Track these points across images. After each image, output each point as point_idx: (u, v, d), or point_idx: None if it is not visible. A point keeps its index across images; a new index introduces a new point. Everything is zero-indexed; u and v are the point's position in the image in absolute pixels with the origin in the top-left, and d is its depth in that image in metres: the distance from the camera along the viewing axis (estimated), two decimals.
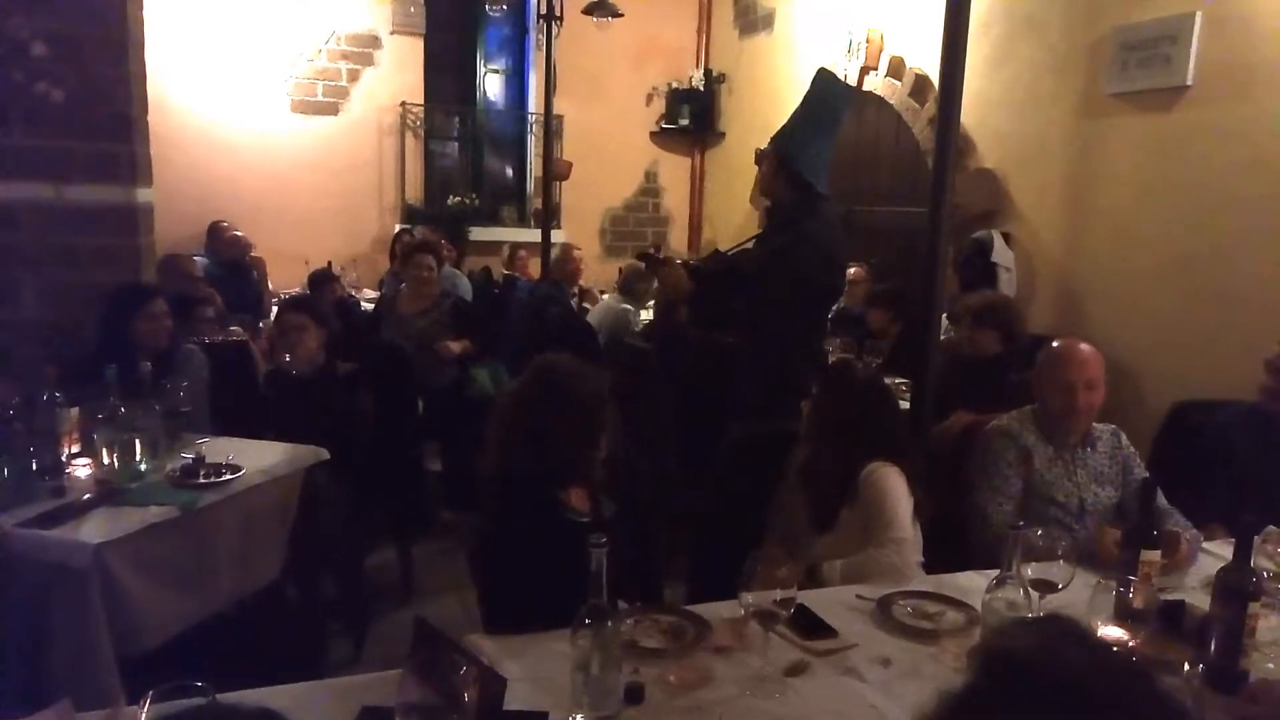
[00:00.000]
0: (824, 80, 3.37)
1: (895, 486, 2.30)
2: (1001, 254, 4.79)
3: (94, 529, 2.33)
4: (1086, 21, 4.58)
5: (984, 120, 5.09)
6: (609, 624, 1.49)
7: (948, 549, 2.43)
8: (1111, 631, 1.72)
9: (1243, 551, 1.68)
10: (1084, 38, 4.60)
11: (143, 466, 2.65)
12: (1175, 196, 4.16)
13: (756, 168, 3.43)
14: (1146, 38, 4.23)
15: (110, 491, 2.53)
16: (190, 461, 2.72)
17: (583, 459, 2.15)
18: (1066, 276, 4.75)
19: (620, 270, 5.96)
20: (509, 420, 2.15)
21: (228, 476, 2.70)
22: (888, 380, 3.17)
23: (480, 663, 1.49)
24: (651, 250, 3.65)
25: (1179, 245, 4.13)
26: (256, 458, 2.89)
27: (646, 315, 5.92)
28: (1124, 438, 2.65)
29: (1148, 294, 4.28)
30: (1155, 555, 1.87)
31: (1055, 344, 2.68)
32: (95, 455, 2.66)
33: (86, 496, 2.48)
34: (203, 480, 2.66)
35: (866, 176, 6.13)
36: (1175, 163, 4.15)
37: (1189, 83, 4.07)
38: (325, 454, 3.07)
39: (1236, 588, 1.65)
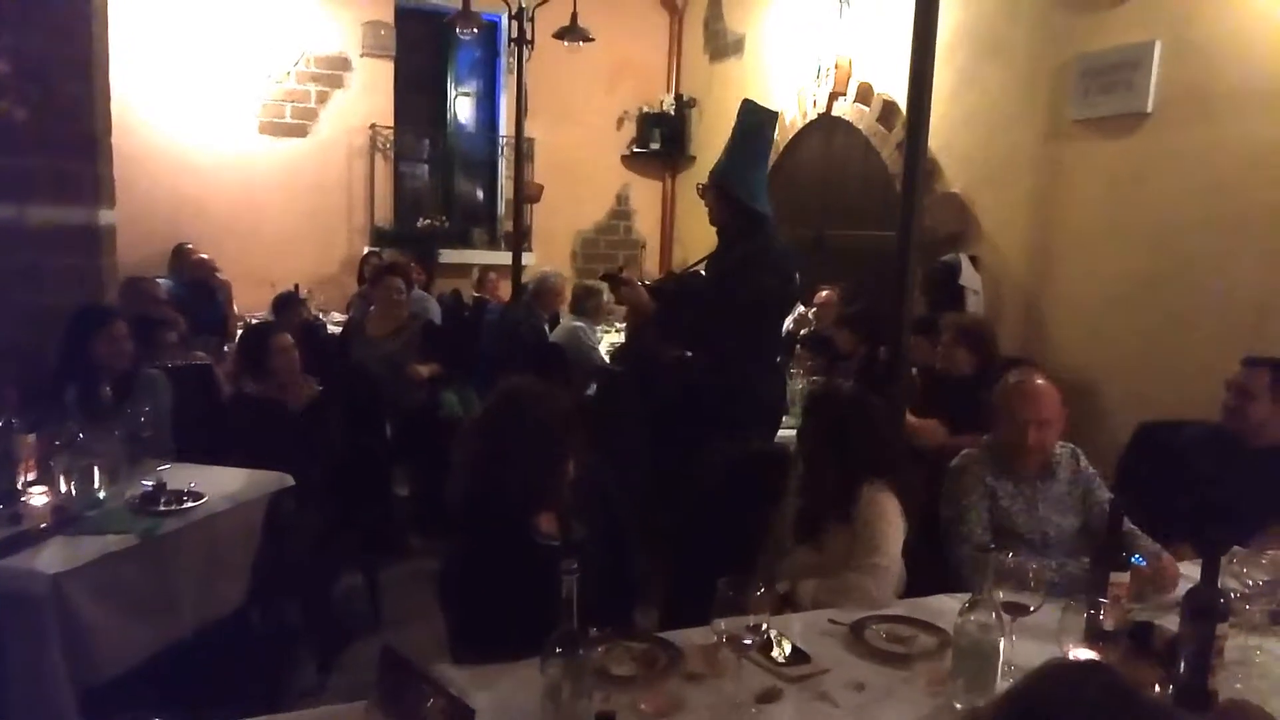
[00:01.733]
0: (750, 110, 3.55)
1: (892, 514, 2.31)
2: (969, 277, 4.85)
3: (51, 558, 2.28)
4: (1050, 49, 4.67)
5: (950, 145, 5.16)
6: (580, 652, 1.47)
7: (930, 562, 2.45)
8: (1082, 653, 1.72)
9: (1210, 571, 1.69)
10: (1048, 64, 4.69)
11: (102, 493, 2.59)
12: (1139, 219, 4.23)
13: (701, 200, 3.54)
14: (1108, 64, 4.31)
15: (68, 519, 2.46)
16: (151, 488, 2.67)
17: (551, 482, 2.12)
18: (1033, 298, 4.81)
19: (571, 291, 5.94)
20: (475, 444, 2.12)
21: (189, 503, 2.65)
22: None
23: (448, 693, 1.46)
24: (616, 270, 3.72)
25: (1143, 267, 4.20)
26: (220, 484, 2.84)
27: (611, 336, 5.93)
28: (1083, 459, 2.62)
29: (1113, 315, 4.34)
30: (1125, 577, 1.88)
31: (1012, 379, 2.65)
32: (53, 482, 2.59)
33: (43, 525, 2.41)
34: (164, 507, 2.61)
35: (836, 200, 6.19)
36: (1138, 186, 4.23)
37: (1150, 109, 4.15)
38: (290, 480, 3.03)
39: (1205, 608, 1.66)
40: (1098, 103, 4.38)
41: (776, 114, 3.78)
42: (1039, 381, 2.60)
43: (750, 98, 3.66)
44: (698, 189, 3.56)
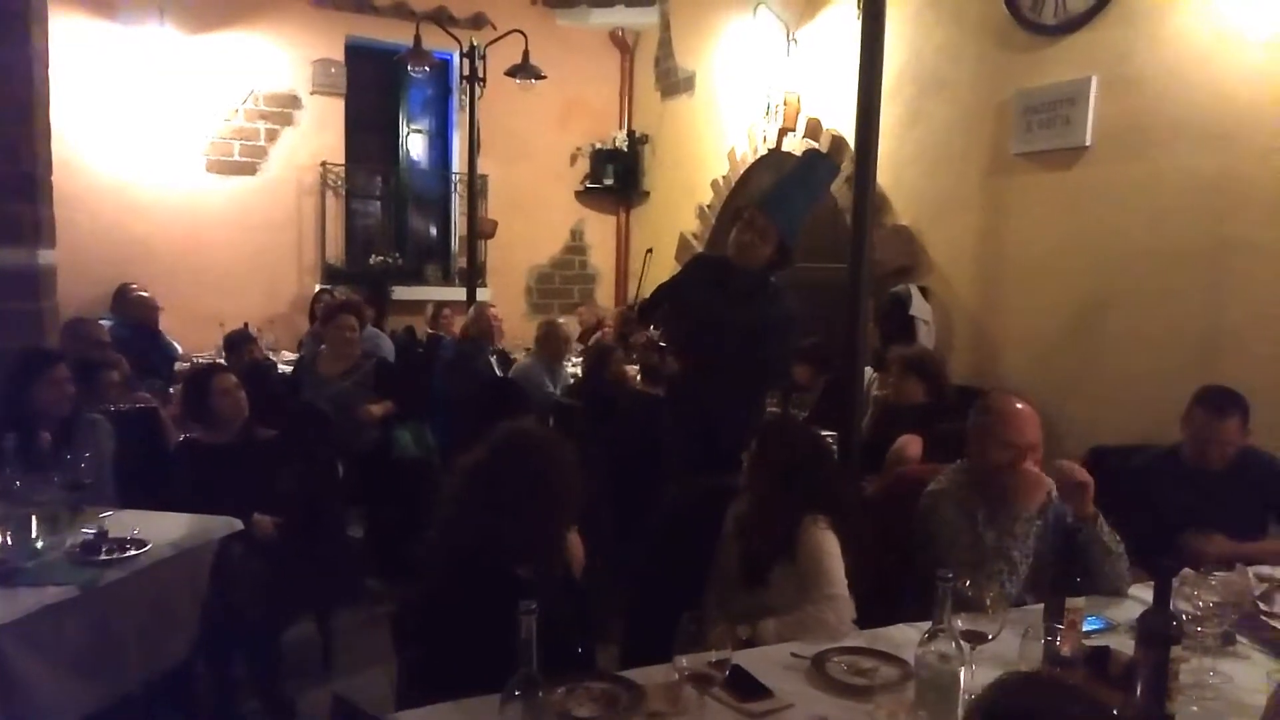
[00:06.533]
0: (809, 155, 3.68)
1: (831, 546, 2.31)
2: (919, 307, 4.93)
3: None
4: (991, 85, 4.80)
5: (898, 179, 5.26)
6: (539, 694, 1.44)
7: (881, 601, 2.43)
8: None
9: (1162, 595, 1.71)
10: (989, 101, 4.81)
11: (40, 543, 2.50)
12: (1081, 249, 4.34)
13: (739, 224, 3.46)
14: (1047, 100, 4.44)
15: (4, 571, 2.36)
16: (92, 537, 2.58)
17: (551, 535, 2.11)
18: (982, 327, 4.90)
19: (538, 328, 5.87)
20: (472, 489, 2.07)
21: (132, 552, 2.57)
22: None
23: None
24: (658, 360, 3.73)
25: (1087, 296, 4.30)
26: (164, 530, 2.75)
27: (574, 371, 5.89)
28: (1053, 489, 2.48)
29: (1062, 342, 4.43)
30: (1080, 602, 1.90)
31: (995, 403, 2.51)
32: None
33: None
34: (105, 556, 2.52)
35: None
36: (1079, 217, 4.34)
37: (1088, 143, 4.28)
38: (238, 524, 2.96)
39: (1158, 632, 1.68)
40: (1039, 137, 4.50)
41: (837, 168, 3.82)
42: (1019, 405, 2.46)
43: (813, 147, 3.69)
44: (751, 218, 3.39)
